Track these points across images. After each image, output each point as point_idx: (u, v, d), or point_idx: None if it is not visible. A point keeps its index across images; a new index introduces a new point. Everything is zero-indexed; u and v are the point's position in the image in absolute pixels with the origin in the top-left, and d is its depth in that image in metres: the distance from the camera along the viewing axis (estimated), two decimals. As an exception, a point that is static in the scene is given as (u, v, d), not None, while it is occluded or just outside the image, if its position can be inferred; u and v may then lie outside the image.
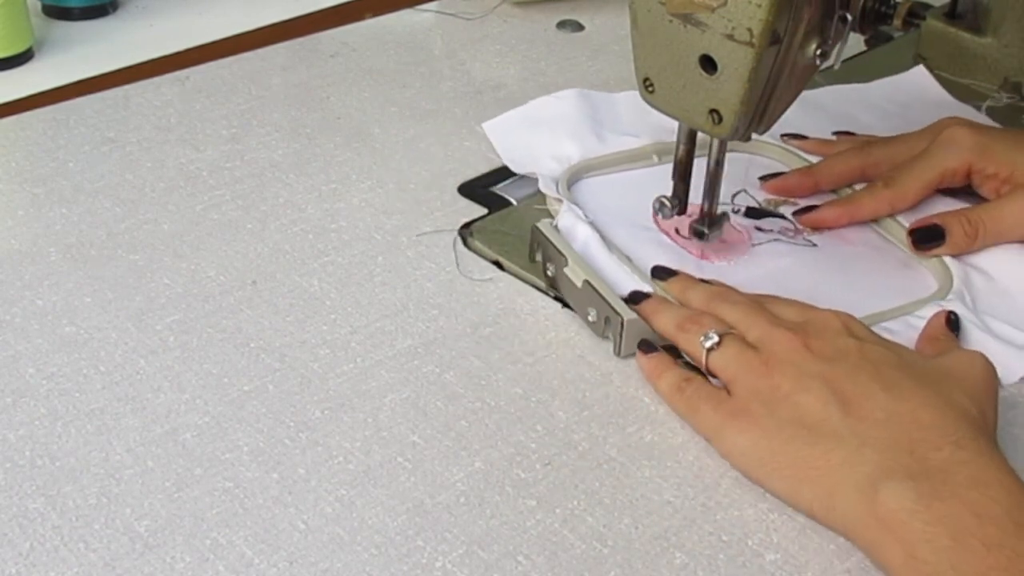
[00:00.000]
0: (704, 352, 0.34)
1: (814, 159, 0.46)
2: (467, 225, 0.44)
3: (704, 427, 0.34)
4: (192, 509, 0.31)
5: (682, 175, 0.40)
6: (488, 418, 0.35)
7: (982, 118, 0.51)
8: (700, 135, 0.39)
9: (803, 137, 0.47)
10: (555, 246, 0.39)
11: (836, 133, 0.48)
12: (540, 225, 0.40)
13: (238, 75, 0.54)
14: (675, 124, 0.48)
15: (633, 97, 0.49)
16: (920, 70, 0.55)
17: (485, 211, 0.45)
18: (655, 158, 0.47)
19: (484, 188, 0.46)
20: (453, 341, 0.38)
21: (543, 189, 0.44)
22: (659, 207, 0.41)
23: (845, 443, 0.30)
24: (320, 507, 0.31)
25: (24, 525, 0.31)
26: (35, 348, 0.37)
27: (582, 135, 0.46)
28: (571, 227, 0.41)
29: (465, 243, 0.43)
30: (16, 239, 0.42)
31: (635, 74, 0.38)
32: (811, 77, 0.37)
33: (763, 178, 0.46)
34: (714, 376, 0.35)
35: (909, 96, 0.53)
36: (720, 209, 0.41)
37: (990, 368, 0.34)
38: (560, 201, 0.43)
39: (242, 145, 0.49)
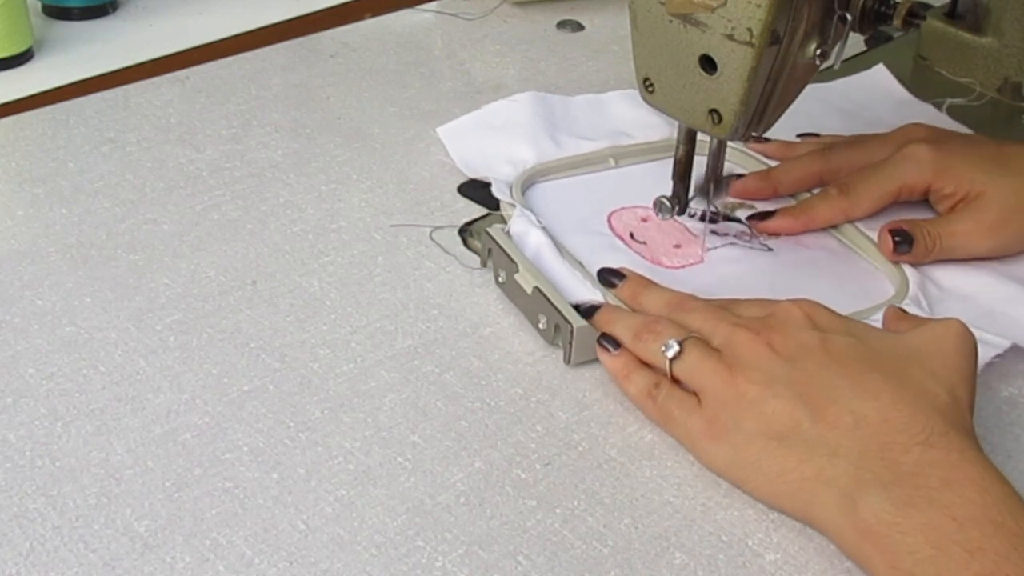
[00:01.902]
0: (667, 362, 0.33)
1: (775, 163, 0.46)
2: (467, 225, 0.44)
3: (680, 438, 0.33)
4: (192, 509, 0.31)
5: (681, 175, 0.40)
6: (488, 418, 0.35)
7: (943, 117, 0.51)
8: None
9: (765, 140, 0.47)
10: (506, 252, 0.39)
11: (801, 135, 0.48)
12: (491, 231, 0.40)
13: (238, 75, 0.54)
14: (632, 127, 0.48)
15: (589, 100, 0.50)
16: (880, 69, 0.55)
17: (485, 211, 0.45)
18: (611, 161, 0.46)
19: (484, 188, 0.46)
20: (453, 341, 0.38)
21: (496, 194, 0.43)
22: (659, 207, 0.41)
23: (816, 453, 0.30)
24: (320, 507, 0.31)
25: (24, 525, 0.30)
26: (35, 348, 0.37)
27: (537, 139, 0.46)
28: (523, 233, 0.40)
29: (465, 243, 0.43)
30: (16, 239, 0.42)
31: (635, 74, 0.38)
32: (811, 77, 0.37)
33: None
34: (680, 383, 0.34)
35: (869, 95, 0.53)
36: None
37: (965, 336, 0.32)
38: (514, 206, 0.42)
39: (242, 145, 0.49)
